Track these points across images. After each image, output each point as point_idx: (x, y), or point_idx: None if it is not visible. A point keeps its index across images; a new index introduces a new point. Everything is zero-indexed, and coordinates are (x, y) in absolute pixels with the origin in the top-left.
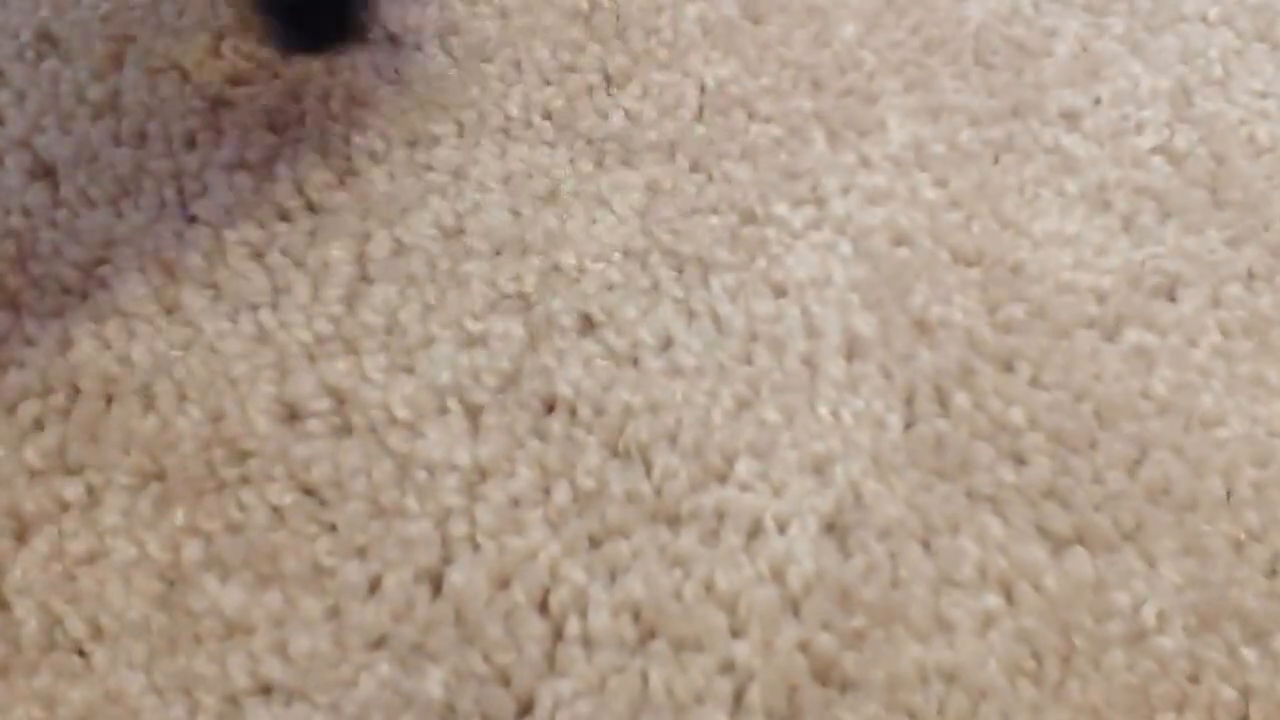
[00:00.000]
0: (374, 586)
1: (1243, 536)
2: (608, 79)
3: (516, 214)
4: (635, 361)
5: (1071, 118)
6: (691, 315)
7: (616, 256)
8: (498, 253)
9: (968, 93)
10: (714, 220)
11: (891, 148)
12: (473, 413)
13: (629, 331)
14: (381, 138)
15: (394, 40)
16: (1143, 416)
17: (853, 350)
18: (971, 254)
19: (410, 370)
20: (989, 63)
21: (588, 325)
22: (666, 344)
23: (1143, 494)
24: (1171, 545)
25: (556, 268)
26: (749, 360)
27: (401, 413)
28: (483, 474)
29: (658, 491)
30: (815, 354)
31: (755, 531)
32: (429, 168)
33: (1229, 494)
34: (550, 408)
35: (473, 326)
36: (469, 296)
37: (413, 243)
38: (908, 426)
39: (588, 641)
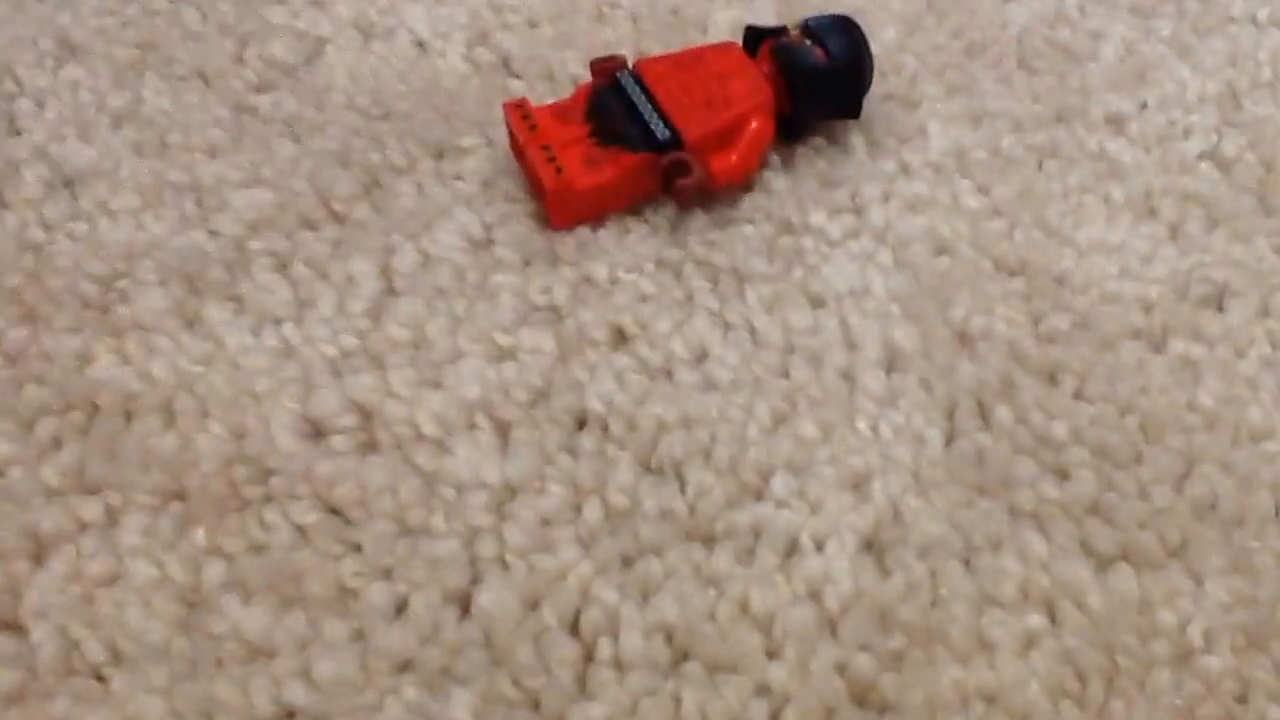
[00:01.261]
0: (400, 608)
1: None
2: None
3: (546, 225)
4: (669, 375)
5: (1117, 123)
6: (727, 327)
7: (649, 267)
8: (528, 264)
9: (1010, 98)
10: (749, 230)
11: (932, 154)
12: (502, 429)
13: (662, 344)
14: (407, 148)
15: (421, 47)
16: (1189, 430)
17: (892, 363)
18: (1014, 263)
19: (438, 385)
20: (1032, 66)
21: (620, 338)
22: (701, 357)
23: (1189, 510)
24: (1219, 562)
25: (588, 279)
26: (785, 373)
27: (429, 429)
28: (512, 492)
29: (691, 509)
30: (854, 367)
31: (791, 550)
32: (457, 178)
33: (1278, 509)
34: (581, 423)
35: (502, 340)
36: (498, 309)
37: (440, 255)
38: (948, 441)
39: (619, 664)
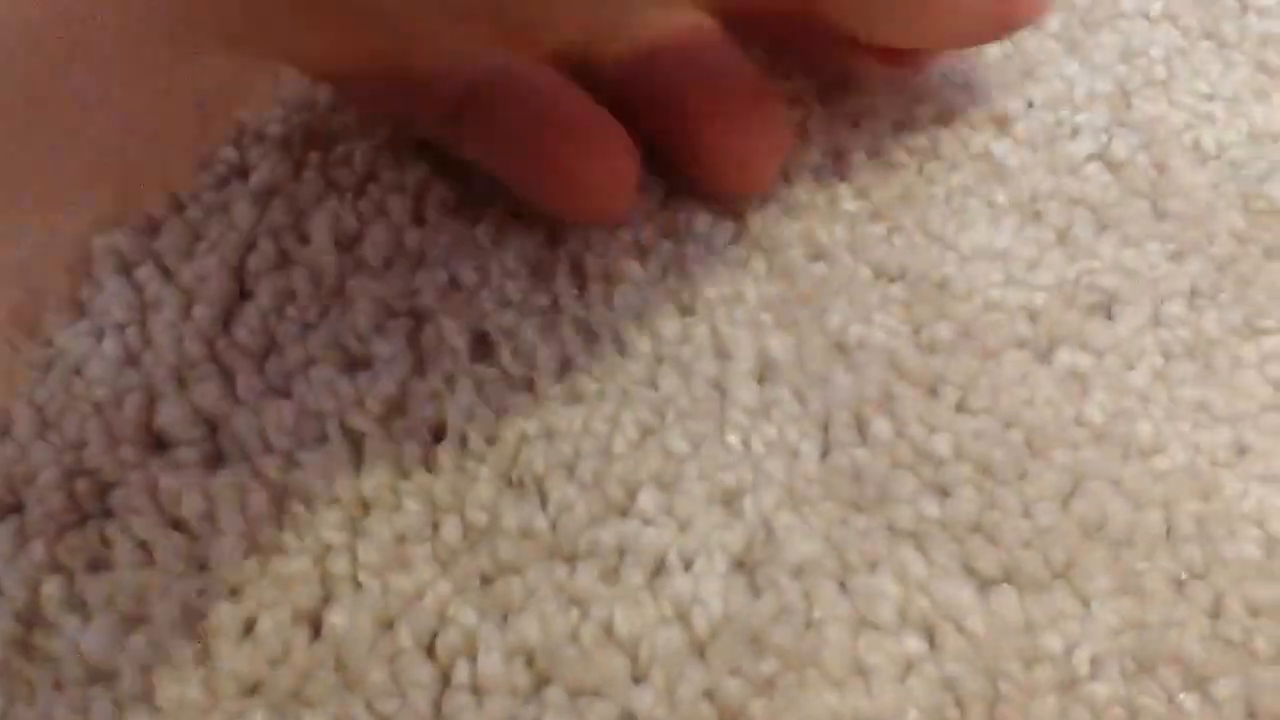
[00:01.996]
0: (248, 629)
1: (1183, 575)
2: None
3: (421, 222)
4: (531, 385)
5: (1002, 122)
6: (593, 335)
7: (520, 270)
8: (388, 266)
9: (890, 95)
10: (625, 234)
11: (812, 156)
12: (355, 441)
13: (526, 353)
14: (277, 134)
15: None
16: (1077, 445)
17: (765, 373)
18: (894, 270)
19: (287, 394)
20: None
21: (483, 346)
22: (566, 366)
23: (1076, 529)
24: (1106, 584)
25: (454, 281)
26: (654, 384)
27: (278, 441)
28: (365, 507)
29: (553, 525)
30: (725, 377)
31: (658, 569)
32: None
33: (1169, 529)
34: (439, 436)
35: (356, 348)
36: (354, 314)
37: (299, 254)
38: (823, 455)
39: (477, 688)
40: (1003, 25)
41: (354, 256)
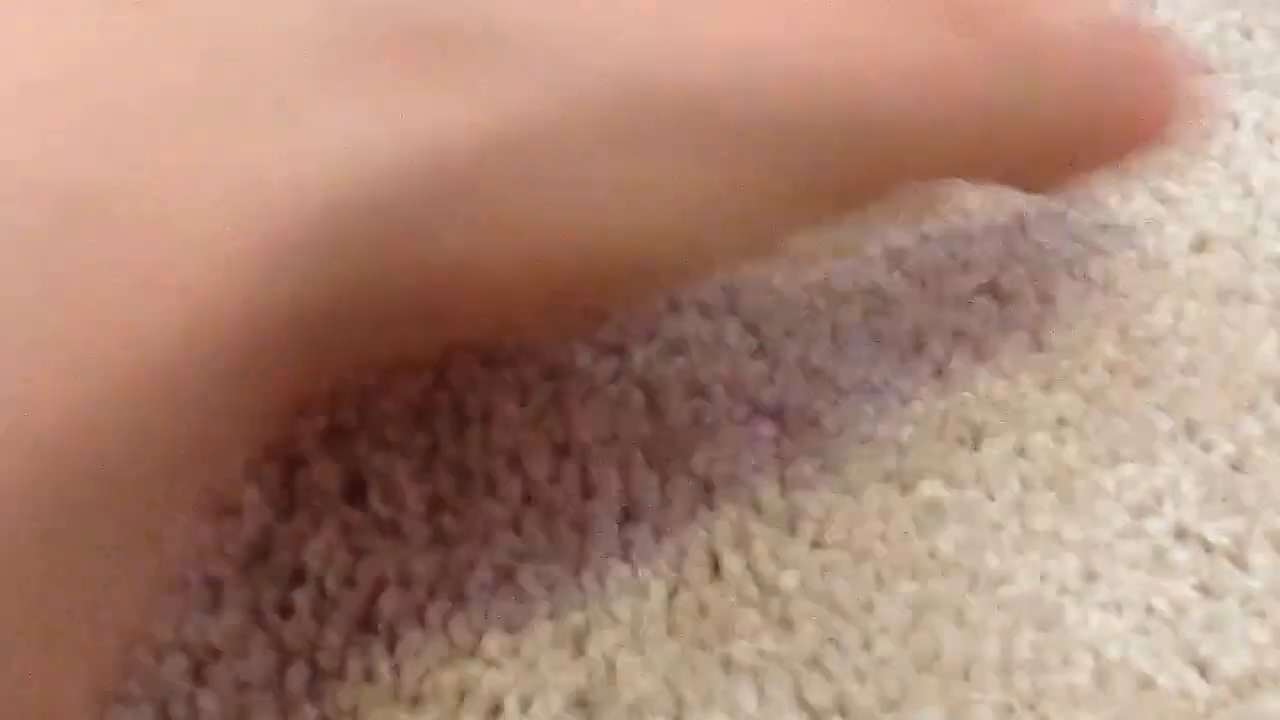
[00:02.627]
0: None
1: (1014, 703)
2: None
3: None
4: (397, 529)
5: (894, 256)
6: (467, 476)
7: (401, 413)
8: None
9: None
10: (508, 374)
11: (701, 293)
12: (214, 586)
13: (396, 495)
14: None
15: None
16: (925, 576)
17: (629, 512)
18: (772, 407)
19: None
20: None
21: (354, 487)
22: (436, 508)
23: (911, 661)
24: (937, 715)
25: (335, 428)
26: (517, 527)
27: None
28: (215, 654)
29: (397, 669)
30: (588, 517)
31: (495, 711)
32: None
33: (1005, 658)
34: (299, 580)
35: (229, 494)
36: (230, 462)
37: None
38: (672, 594)
39: None
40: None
41: None
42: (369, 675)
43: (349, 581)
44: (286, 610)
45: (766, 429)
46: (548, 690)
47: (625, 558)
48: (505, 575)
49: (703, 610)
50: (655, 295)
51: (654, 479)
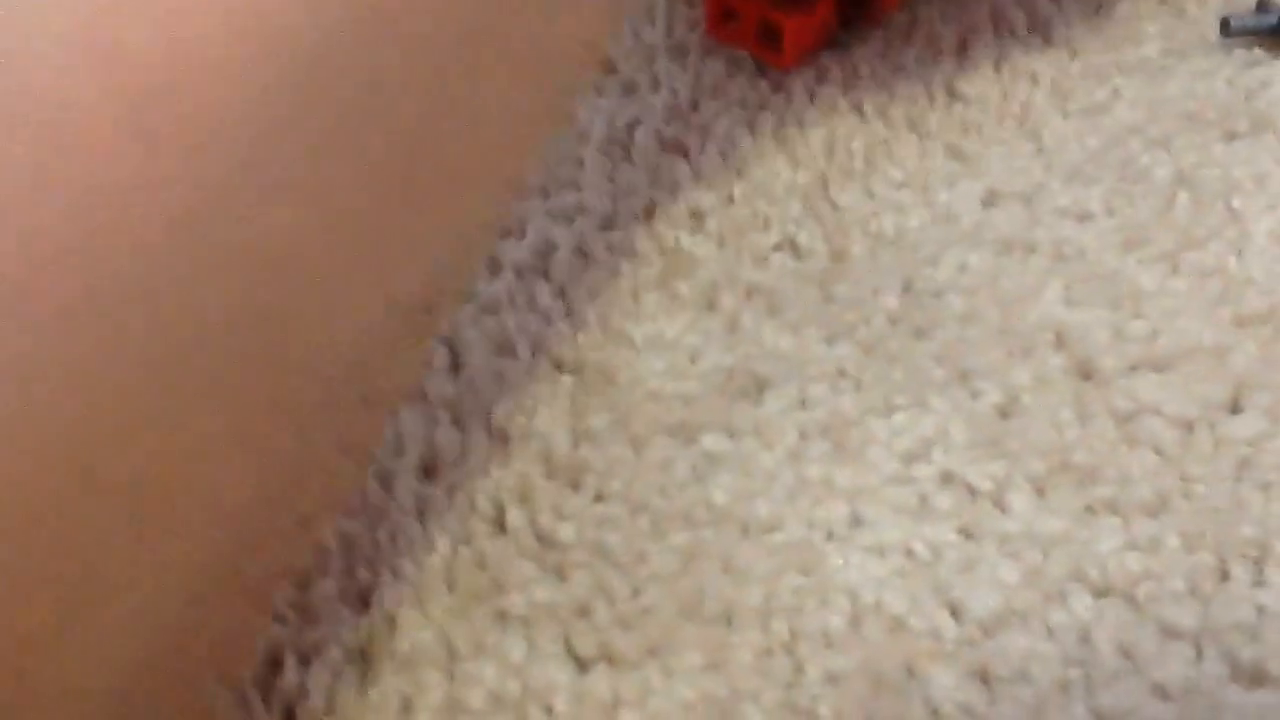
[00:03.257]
0: None
1: (773, 646)
2: None
3: None
4: None
5: (699, 216)
6: None
7: None
8: None
9: (599, 192)
10: None
11: (522, 252)
12: None
13: None
14: None
15: None
16: (697, 525)
17: (430, 469)
18: (572, 364)
19: None
20: (634, 162)
21: None
22: None
23: (677, 608)
24: (697, 660)
25: None
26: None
27: None
28: None
29: None
30: (393, 474)
31: (274, 665)
32: None
33: (766, 603)
34: None
35: None
36: None
37: None
38: (456, 549)
39: None
40: None
41: None
42: None
43: None
44: None
45: (565, 384)
46: (328, 644)
47: (419, 515)
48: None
49: (482, 564)
50: (476, 256)
51: (457, 435)
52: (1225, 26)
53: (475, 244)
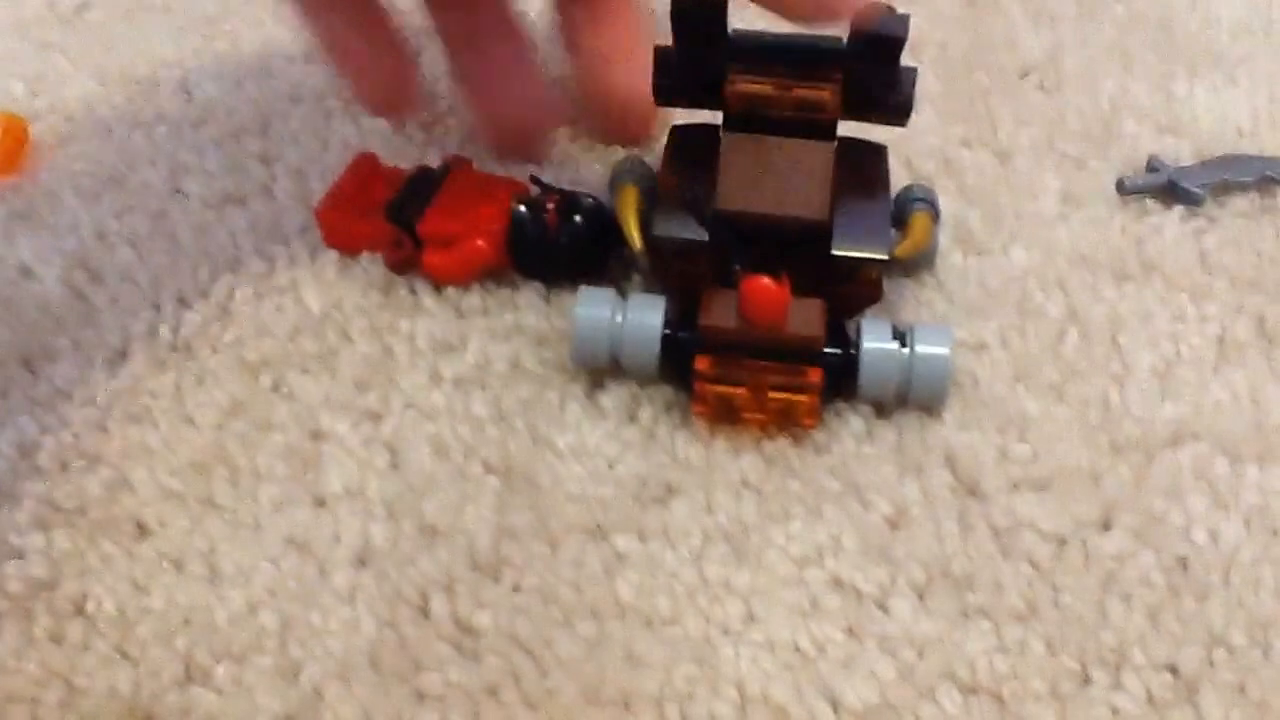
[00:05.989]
0: None
1: None
2: None
3: (103, 429)
4: (180, 568)
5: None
6: (238, 525)
7: (184, 467)
8: (64, 468)
9: (538, 310)
10: (278, 438)
11: (464, 365)
12: None
13: (179, 539)
14: None
15: None
16: (603, 618)
17: (364, 558)
18: (500, 468)
19: None
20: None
21: (140, 533)
22: (210, 552)
23: (580, 692)
24: None
25: (126, 481)
26: (278, 565)
27: None
28: None
29: (137, 688)
30: (329, 562)
31: None
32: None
33: (661, 690)
34: (81, 612)
35: (15, 540)
36: (20, 512)
37: None
38: (381, 631)
39: None
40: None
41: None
42: (111, 692)
43: (122, 613)
44: (58, 638)
45: (493, 485)
46: (256, 715)
47: (351, 600)
48: (253, 609)
49: (404, 646)
50: (421, 366)
51: (389, 528)
52: (1120, 186)
53: None
